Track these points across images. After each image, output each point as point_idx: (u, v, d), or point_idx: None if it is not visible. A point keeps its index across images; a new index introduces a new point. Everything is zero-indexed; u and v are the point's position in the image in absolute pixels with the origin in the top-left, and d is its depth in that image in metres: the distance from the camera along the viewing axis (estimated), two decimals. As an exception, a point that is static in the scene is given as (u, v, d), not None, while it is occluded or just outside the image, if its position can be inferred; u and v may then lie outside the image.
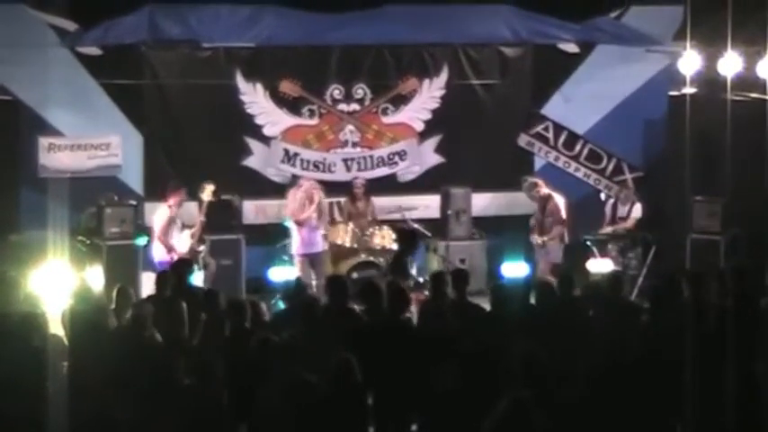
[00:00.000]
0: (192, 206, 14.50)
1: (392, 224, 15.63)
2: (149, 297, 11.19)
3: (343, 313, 10.17)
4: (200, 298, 10.49)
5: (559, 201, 15.17)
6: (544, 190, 15.20)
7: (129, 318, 9.35)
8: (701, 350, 8.88)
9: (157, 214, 14.24)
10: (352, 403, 8.16)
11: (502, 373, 8.44)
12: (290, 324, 9.70)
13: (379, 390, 9.31)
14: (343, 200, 16.20)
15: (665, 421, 8.81)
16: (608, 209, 15.65)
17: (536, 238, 15.02)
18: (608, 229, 15.49)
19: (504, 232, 16.23)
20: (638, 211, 15.45)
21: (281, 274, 13.63)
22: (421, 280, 15.30)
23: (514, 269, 15.02)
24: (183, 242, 14.11)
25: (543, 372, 8.14)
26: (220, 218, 14.90)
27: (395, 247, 15.30)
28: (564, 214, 15.06)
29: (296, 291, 10.69)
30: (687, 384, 8.95)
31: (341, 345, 8.90)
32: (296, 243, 14.88)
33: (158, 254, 14.07)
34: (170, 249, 13.97)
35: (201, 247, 14.25)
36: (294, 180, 15.82)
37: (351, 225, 15.41)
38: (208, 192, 14.30)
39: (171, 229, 14.11)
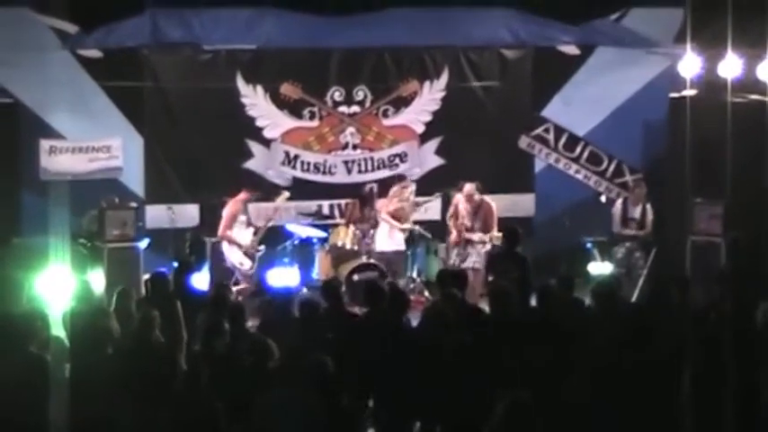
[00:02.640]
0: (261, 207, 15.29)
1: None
2: (146, 297, 11.22)
3: (342, 316, 10.21)
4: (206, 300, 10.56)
5: (493, 207, 15.07)
6: (477, 196, 15.05)
7: (137, 320, 9.34)
8: (698, 355, 8.91)
9: (226, 208, 14.65)
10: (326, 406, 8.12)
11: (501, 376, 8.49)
12: (290, 328, 9.74)
13: (378, 393, 9.34)
14: (344, 202, 16.22)
15: (662, 425, 8.83)
16: (617, 210, 15.50)
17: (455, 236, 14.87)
18: (618, 229, 15.28)
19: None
20: (650, 214, 15.35)
21: (278, 276, 13.65)
22: (417, 280, 15.37)
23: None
24: (244, 237, 14.54)
25: (544, 374, 8.17)
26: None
27: (394, 248, 15.37)
28: (494, 221, 14.91)
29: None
30: (685, 389, 8.98)
31: (339, 347, 8.94)
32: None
33: (225, 248, 14.53)
34: (230, 242, 14.44)
35: (261, 248, 14.70)
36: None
37: (352, 227, 15.42)
38: (282, 198, 15.20)
39: (234, 223, 14.51)
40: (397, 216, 15.40)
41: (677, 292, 10.23)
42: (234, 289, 13.41)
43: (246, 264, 14.55)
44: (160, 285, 11.00)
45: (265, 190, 15.76)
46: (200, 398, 8.19)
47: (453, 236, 14.83)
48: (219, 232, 14.55)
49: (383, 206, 15.54)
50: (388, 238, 15.36)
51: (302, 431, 7.92)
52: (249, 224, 14.73)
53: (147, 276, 13.64)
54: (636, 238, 15.19)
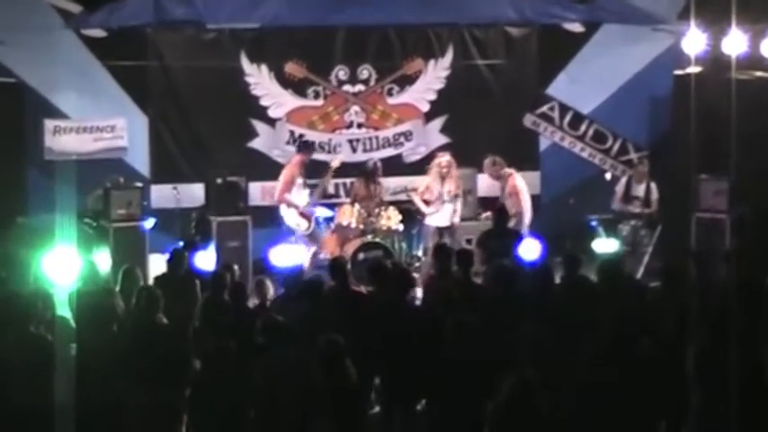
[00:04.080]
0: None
1: (398, 205, 15.66)
2: (161, 276, 11.26)
3: (348, 294, 10.23)
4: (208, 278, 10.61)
5: (520, 184, 15.11)
6: (506, 170, 15.14)
7: (142, 300, 9.36)
8: (708, 330, 8.91)
9: (283, 172, 14.96)
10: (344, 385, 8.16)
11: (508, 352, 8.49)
12: (297, 305, 9.75)
13: (384, 370, 9.37)
14: (349, 181, 16.22)
15: (668, 404, 8.84)
16: (620, 187, 15.52)
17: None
18: (621, 208, 15.35)
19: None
20: (655, 192, 15.38)
21: (282, 254, 13.67)
22: (423, 258, 15.37)
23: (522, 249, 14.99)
24: (301, 198, 14.90)
25: (550, 352, 8.17)
26: (227, 199, 14.97)
27: (401, 228, 15.36)
28: (524, 199, 15.00)
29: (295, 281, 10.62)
30: (693, 365, 8.99)
31: (345, 325, 8.95)
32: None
33: (282, 211, 14.85)
34: (288, 204, 14.78)
35: (314, 209, 15.08)
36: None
37: (357, 206, 15.41)
38: (337, 161, 15.47)
39: (292, 186, 14.83)
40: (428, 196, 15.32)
41: (695, 266, 10.23)
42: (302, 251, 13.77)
43: (303, 225, 14.88)
44: (178, 263, 11.05)
45: (270, 169, 15.74)
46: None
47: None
48: (277, 196, 14.91)
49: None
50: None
51: (301, 395, 7.96)
52: (305, 186, 14.98)
53: (154, 256, 13.77)
54: (641, 215, 15.21)
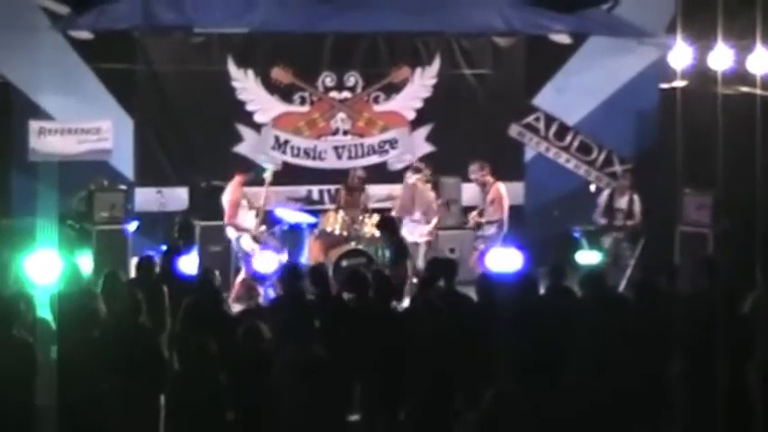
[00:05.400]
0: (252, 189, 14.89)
1: (382, 213, 15.65)
2: (133, 280, 11.22)
3: (330, 301, 10.22)
4: (192, 283, 10.57)
5: (504, 192, 15.19)
6: (489, 177, 15.23)
7: (125, 303, 9.34)
8: (686, 343, 8.95)
9: (224, 196, 14.53)
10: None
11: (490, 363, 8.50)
12: (278, 312, 9.75)
13: (366, 378, 9.36)
14: (333, 188, 16.21)
15: (650, 412, 8.87)
16: (602, 200, 15.60)
17: (473, 217, 15.19)
18: (602, 221, 15.44)
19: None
20: (638, 204, 15.45)
21: (263, 261, 13.67)
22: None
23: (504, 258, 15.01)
24: (249, 221, 14.44)
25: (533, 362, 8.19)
26: (211, 204, 14.93)
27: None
28: (506, 204, 15.10)
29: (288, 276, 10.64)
30: (673, 377, 9.02)
31: (326, 333, 8.96)
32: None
33: (230, 234, 14.44)
34: (238, 229, 14.32)
35: (263, 228, 14.60)
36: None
37: (341, 213, 15.40)
38: (269, 173, 14.78)
39: (238, 209, 14.41)
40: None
41: (666, 280, 10.26)
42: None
43: (257, 248, 14.46)
44: (147, 270, 11.00)
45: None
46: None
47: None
48: (226, 221, 14.42)
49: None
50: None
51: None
52: (251, 207, 14.62)
53: (135, 259, 13.71)
54: (623, 228, 15.26)
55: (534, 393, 7.61)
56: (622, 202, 15.47)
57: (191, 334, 9.21)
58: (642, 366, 8.99)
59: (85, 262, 13.18)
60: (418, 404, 9.12)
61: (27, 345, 8.53)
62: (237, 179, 14.58)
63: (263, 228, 14.65)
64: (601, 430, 8.18)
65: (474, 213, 15.43)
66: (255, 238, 14.45)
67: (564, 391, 8.28)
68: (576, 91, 17.10)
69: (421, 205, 15.21)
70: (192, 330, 9.36)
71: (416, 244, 14.94)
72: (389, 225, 13.97)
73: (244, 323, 9.01)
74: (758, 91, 14.76)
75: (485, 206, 15.24)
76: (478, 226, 15.28)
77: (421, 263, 14.64)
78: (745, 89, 15.51)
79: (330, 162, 16.66)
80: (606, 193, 15.80)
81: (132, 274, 13.30)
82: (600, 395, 8.30)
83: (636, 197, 15.49)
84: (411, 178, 15.37)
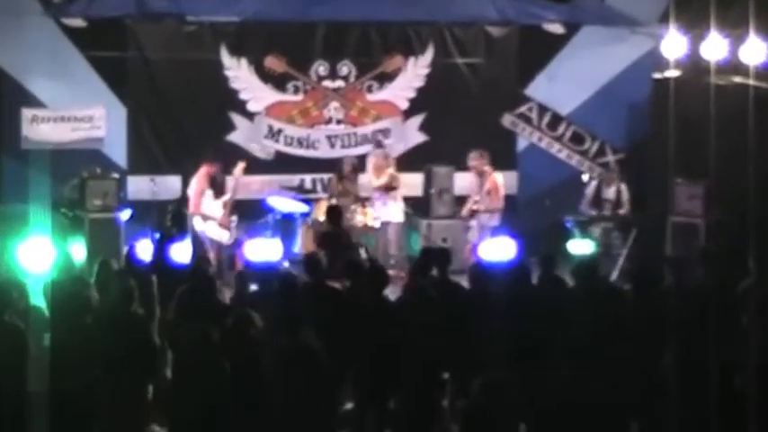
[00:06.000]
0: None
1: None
2: (123, 269, 11.21)
3: (323, 290, 10.23)
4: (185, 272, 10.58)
5: (501, 181, 15.29)
6: (487, 166, 15.28)
7: (117, 292, 9.35)
8: (681, 334, 8.96)
9: (190, 186, 14.70)
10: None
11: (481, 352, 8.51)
12: (270, 300, 9.74)
13: (357, 366, 9.37)
14: (326, 177, 16.22)
15: (640, 404, 8.89)
16: (589, 190, 15.69)
17: (468, 207, 15.30)
18: (591, 211, 15.52)
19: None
20: (626, 193, 15.50)
21: (256, 249, 13.67)
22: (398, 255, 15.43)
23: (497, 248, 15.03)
24: (215, 210, 14.56)
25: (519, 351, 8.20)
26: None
27: (377, 225, 15.40)
28: (502, 194, 15.23)
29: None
30: (667, 367, 9.04)
31: (319, 321, 8.96)
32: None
33: (197, 224, 14.48)
34: (205, 218, 14.46)
35: (234, 218, 14.70)
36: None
37: (334, 202, 15.41)
38: (239, 169, 14.86)
39: (202, 198, 14.51)
40: (390, 186, 15.49)
41: (673, 272, 10.28)
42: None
43: (225, 235, 14.56)
44: (134, 259, 10.99)
45: (248, 163, 15.71)
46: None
47: None
48: (192, 210, 14.54)
49: (371, 180, 15.61)
50: (383, 209, 15.42)
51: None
52: (217, 196, 14.69)
53: (127, 247, 13.71)
54: (612, 218, 15.30)
55: (524, 382, 7.62)
56: (610, 193, 15.53)
57: (189, 323, 9.20)
58: (635, 357, 9.00)
59: (78, 250, 13.16)
60: (409, 393, 9.12)
61: (19, 331, 8.53)
62: (204, 169, 14.65)
63: (234, 218, 14.74)
64: (592, 421, 8.18)
65: (469, 202, 15.47)
66: (222, 226, 14.54)
67: (554, 380, 8.28)
68: (569, 81, 17.10)
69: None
70: (187, 319, 9.36)
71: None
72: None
73: (235, 311, 9.01)
74: (751, 81, 14.80)
75: (481, 195, 15.29)
76: (473, 214, 15.34)
77: (394, 247, 15.02)
78: (738, 79, 15.54)
79: (323, 151, 16.66)
80: (594, 183, 15.84)
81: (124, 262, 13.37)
82: (591, 385, 8.30)
83: (624, 187, 15.54)
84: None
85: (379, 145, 16.28)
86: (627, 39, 17.02)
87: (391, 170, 15.65)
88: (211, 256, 14.04)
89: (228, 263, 14.39)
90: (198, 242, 14.30)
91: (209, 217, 14.51)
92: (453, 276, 10.78)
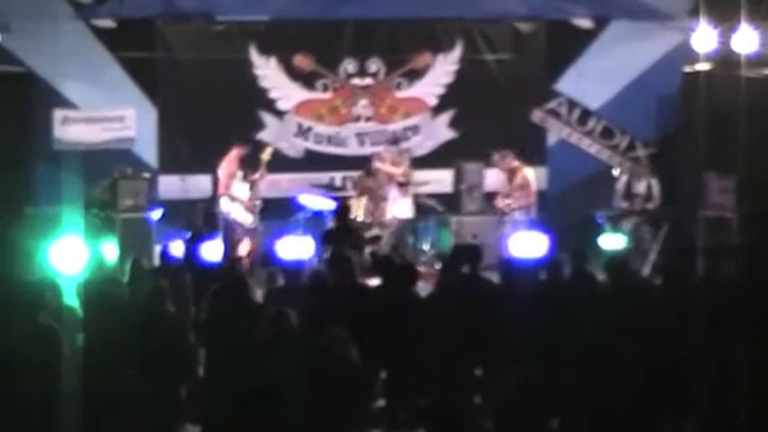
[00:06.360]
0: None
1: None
2: (157, 268, 11.27)
3: (353, 287, 10.24)
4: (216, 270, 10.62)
5: (530, 175, 15.29)
6: (514, 163, 15.29)
7: (149, 291, 9.40)
8: (714, 327, 8.92)
9: (221, 167, 15.05)
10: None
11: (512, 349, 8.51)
12: (300, 299, 9.77)
13: (389, 364, 9.39)
14: (356, 174, 16.23)
15: (673, 400, 8.85)
16: (620, 185, 15.65)
17: (500, 201, 15.26)
18: (623, 205, 15.49)
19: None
20: (656, 188, 15.46)
21: (288, 247, 13.69)
22: (428, 253, 15.42)
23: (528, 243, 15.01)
24: (243, 191, 14.94)
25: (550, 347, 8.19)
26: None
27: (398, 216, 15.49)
28: (533, 189, 15.24)
29: None
30: (698, 363, 9.00)
31: (350, 319, 8.97)
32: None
33: (224, 204, 14.86)
34: (232, 199, 14.84)
35: (258, 202, 15.07)
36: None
37: (364, 199, 15.44)
38: (267, 153, 15.22)
39: (232, 181, 14.93)
40: (404, 182, 15.54)
41: (693, 265, 10.25)
42: (241, 252, 13.59)
43: (249, 219, 14.87)
44: (169, 258, 11.06)
45: (278, 162, 15.77)
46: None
47: None
48: (221, 191, 14.93)
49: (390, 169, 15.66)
50: (393, 206, 15.46)
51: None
52: (245, 179, 15.04)
53: (159, 247, 13.78)
54: (643, 212, 15.26)
55: (556, 378, 7.61)
56: (640, 187, 15.49)
57: (222, 322, 9.23)
58: (668, 353, 8.96)
59: (110, 250, 13.23)
60: (441, 390, 9.13)
61: (53, 331, 8.57)
62: (235, 152, 15.00)
63: (258, 203, 15.11)
64: (624, 417, 8.16)
65: (502, 198, 15.46)
66: (247, 209, 14.84)
67: (586, 376, 8.27)
68: (599, 75, 17.03)
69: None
70: (220, 318, 9.40)
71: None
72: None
73: (270, 308, 9.04)
74: (782, 74, 14.75)
75: (511, 191, 15.29)
76: (505, 210, 15.31)
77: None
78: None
79: (353, 149, 16.68)
80: (624, 178, 15.80)
81: (156, 261, 13.43)
82: (622, 381, 8.28)
83: (654, 181, 15.48)
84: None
85: (394, 142, 16.26)
86: (657, 32, 16.94)
87: (406, 166, 15.67)
88: (242, 245, 14.16)
89: (261, 260, 14.43)
90: (229, 229, 14.47)
91: (237, 198, 14.86)
92: (485, 273, 10.78)
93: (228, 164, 15.01)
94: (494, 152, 15.51)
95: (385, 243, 15.11)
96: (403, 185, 15.59)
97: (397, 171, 15.64)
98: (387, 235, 15.31)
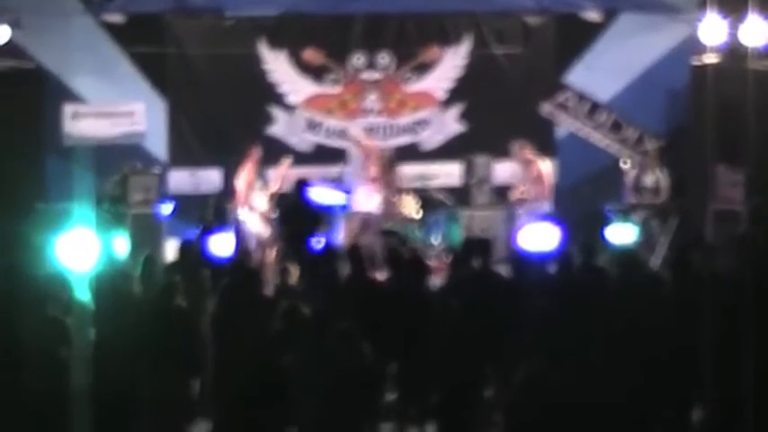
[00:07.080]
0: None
1: (415, 193, 15.75)
2: (173, 264, 11.30)
3: (365, 282, 10.27)
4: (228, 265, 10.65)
5: (545, 168, 15.32)
6: (530, 155, 15.30)
7: (160, 286, 9.44)
8: (720, 321, 8.93)
9: (239, 177, 14.97)
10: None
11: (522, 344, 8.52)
12: (314, 293, 9.80)
13: (400, 358, 9.41)
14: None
15: (681, 393, 8.87)
16: (629, 178, 15.65)
17: (515, 192, 15.26)
18: (632, 199, 15.51)
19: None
20: (665, 181, 15.47)
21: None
22: (436, 245, 15.44)
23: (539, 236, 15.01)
24: (261, 202, 14.85)
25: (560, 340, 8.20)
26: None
27: (418, 216, 15.44)
28: (548, 182, 15.30)
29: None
30: (706, 356, 9.01)
31: (361, 313, 9.00)
32: None
33: (243, 215, 14.79)
34: (252, 209, 14.77)
35: (274, 215, 14.87)
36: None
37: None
38: (286, 165, 15.27)
39: (252, 191, 14.86)
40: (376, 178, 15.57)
41: (701, 258, 10.25)
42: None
43: (266, 232, 14.65)
44: (189, 253, 11.08)
45: (288, 156, 15.80)
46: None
47: None
48: (240, 202, 14.82)
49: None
50: (366, 199, 15.43)
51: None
52: (263, 188, 14.98)
53: (172, 242, 13.84)
54: (652, 205, 15.26)
55: (566, 373, 7.63)
56: (649, 180, 15.48)
57: (233, 317, 9.25)
58: (677, 346, 8.98)
59: (121, 245, 13.26)
60: (451, 385, 9.16)
61: (62, 324, 8.61)
62: (254, 156, 14.99)
63: (275, 216, 14.90)
64: (634, 410, 8.19)
65: (516, 191, 15.46)
66: (265, 219, 14.79)
67: (596, 370, 8.29)
68: (608, 69, 17.01)
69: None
70: (230, 313, 9.42)
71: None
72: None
73: (283, 303, 9.07)
74: (791, 67, 14.73)
75: (527, 183, 15.31)
76: (521, 203, 15.32)
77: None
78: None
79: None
80: (633, 172, 15.80)
81: (167, 256, 13.48)
82: (632, 375, 8.30)
83: (663, 174, 15.48)
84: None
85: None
86: (665, 25, 16.89)
87: (384, 164, 15.65)
88: (255, 254, 14.15)
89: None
90: (242, 236, 14.43)
91: (255, 209, 14.76)
92: (496, 266, 10.80)
93: (247, 173, 14.92)
94: (513, 141, 15.53)
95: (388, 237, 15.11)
96: (376, 180, 15.52)
97: (371, 144, 15.68)
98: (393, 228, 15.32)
